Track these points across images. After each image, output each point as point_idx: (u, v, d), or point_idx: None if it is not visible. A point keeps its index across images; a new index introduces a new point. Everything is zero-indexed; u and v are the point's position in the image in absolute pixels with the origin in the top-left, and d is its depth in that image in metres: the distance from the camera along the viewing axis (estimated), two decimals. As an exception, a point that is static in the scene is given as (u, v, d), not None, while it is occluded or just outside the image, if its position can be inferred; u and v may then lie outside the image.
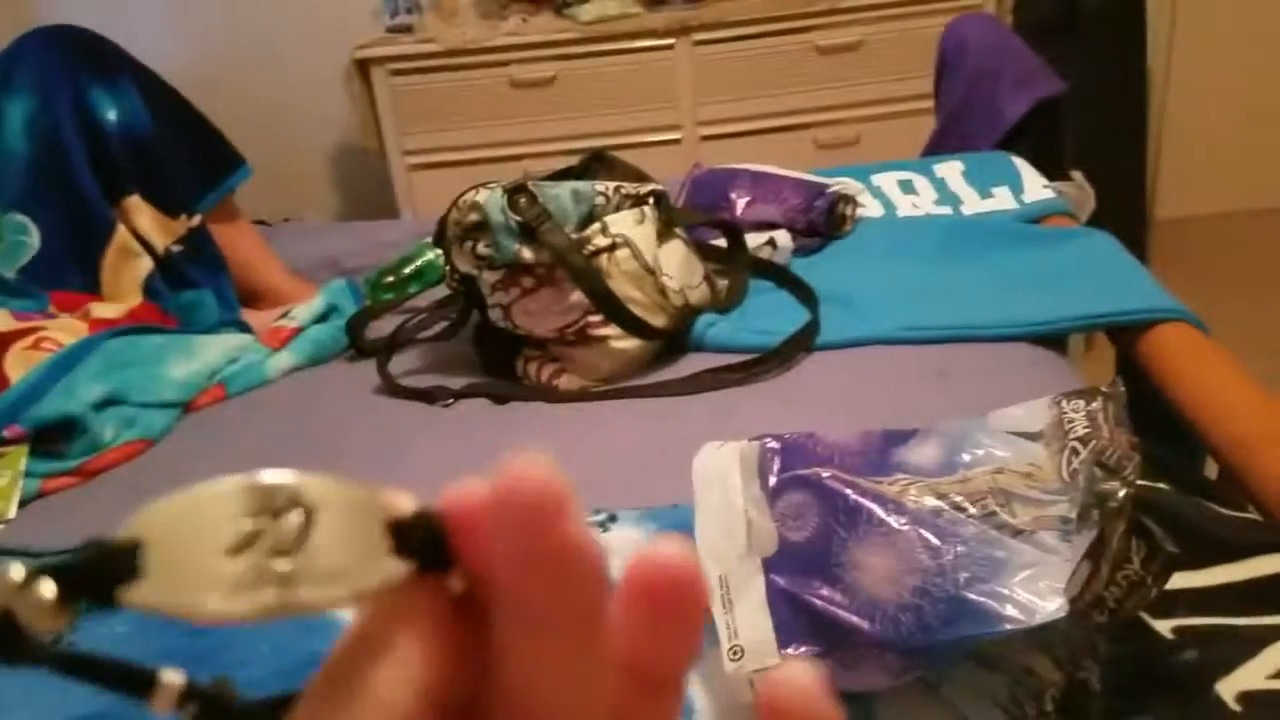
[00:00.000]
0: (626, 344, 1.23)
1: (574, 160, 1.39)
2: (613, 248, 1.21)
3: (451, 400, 1.24)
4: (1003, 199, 1.51)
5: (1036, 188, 1.53)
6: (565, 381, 1.24)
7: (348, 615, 0.24)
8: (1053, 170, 1.65)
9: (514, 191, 1.18)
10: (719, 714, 0.74)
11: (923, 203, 1.54)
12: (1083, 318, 1.20)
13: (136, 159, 1.33)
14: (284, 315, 1.39)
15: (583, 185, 1.23)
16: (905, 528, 0.70)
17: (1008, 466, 0.75)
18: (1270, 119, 2.98)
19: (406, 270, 1.53)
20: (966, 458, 0.77)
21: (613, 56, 2.53)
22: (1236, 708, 0.68)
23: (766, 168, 1.53)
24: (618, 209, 1.24)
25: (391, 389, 1.26)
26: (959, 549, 0.69)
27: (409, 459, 1.14)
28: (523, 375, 1.27)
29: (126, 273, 1.33)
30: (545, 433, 1.17)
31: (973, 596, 0.67)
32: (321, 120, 2.98)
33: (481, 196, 1.19)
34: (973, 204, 1.52)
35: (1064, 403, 0.78)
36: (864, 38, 2.52)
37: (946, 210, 1.51)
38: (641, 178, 1.34)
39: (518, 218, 1.17)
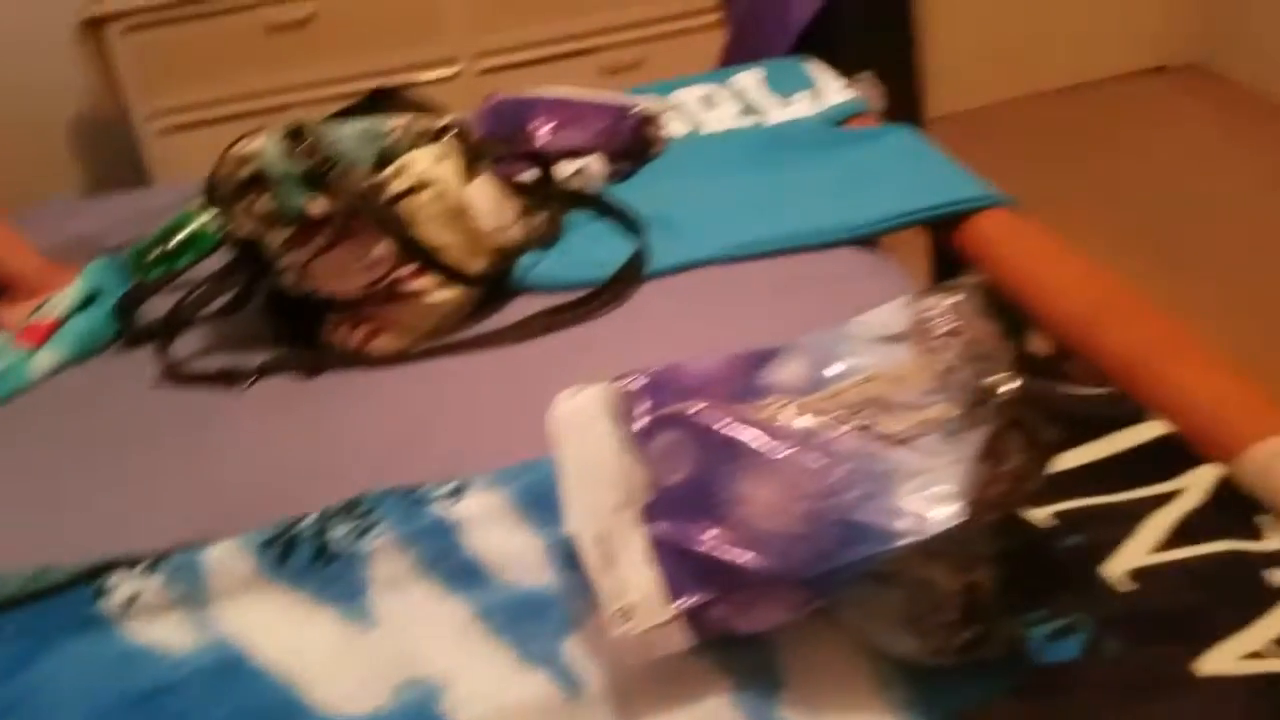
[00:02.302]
0: (445, 294, 1.13)
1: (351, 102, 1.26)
2: (415, 190, 1.10)
3: (253, 379, 1.11)
4: (804, 104, 1.49)
5: (835, 90, 1.52)
6: (381, 343, 1.13)
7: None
8: (838, 72, 1.64)
9: (292, 136, 1.05)
10: (612, 685, 0.68)
11: (727, 116, 1.50)
12: (904, 214, 1.19)
13: None
14: (39, 307, 1.20)
15: (372, 123, 1.11)
16: (787, 453, 0.66)
17: (879, 374, 0.71)
18: (1017, 8, 3.12)
19: (175, 241, 1.35)
20: (834, 370, 0.73)
21: (370, -10, 2.36)
22: (1129, 586, 0.68)
23: (565, 91, 1.44)
24: (414, 147, 1.13)
25: (178, 375, 1.11)
26: (844, 467, 0.65)
27: (212, 453, 1.01)
28: (331, 342, 1.15)
29: None
30: (365, 403, 1.06)
31: (864, 516, 0.63)
32: (53, 90, 2.65)
33: (255, 145, 1.05)
34: (776, 112, 1.48)
35: (923, 300, 0.75)
36: (636, -48, 2.44)
37: (751, 121, 1.47)
38: (436, 111, 1.22)
39: (301, 165, 1.04)
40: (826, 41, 1.86)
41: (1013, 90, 3.21)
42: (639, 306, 1.14)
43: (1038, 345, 1.04)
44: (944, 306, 0.73)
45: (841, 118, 1.46)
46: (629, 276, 1.14)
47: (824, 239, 1.16)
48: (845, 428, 0.67)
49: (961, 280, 0.75)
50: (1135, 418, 0.82)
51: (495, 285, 1.18)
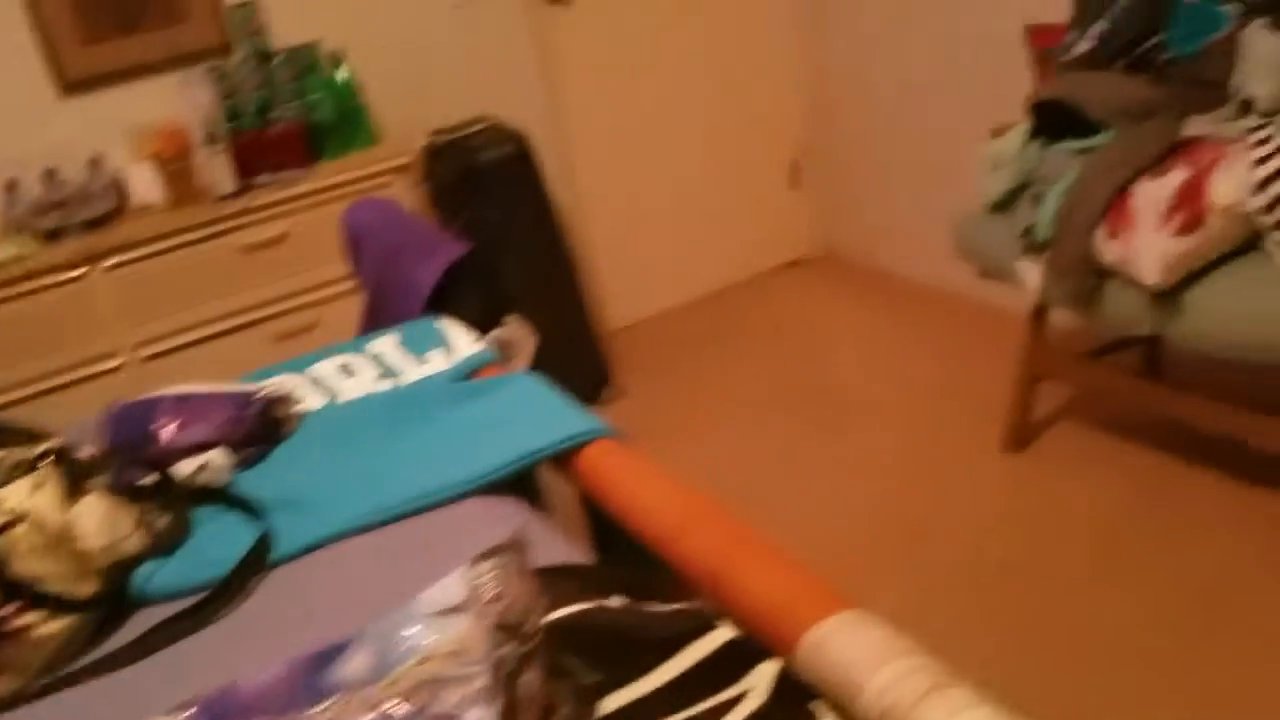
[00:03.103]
0: (54, 626, 1.08)
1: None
2: (8, 526, 1.06)
3: None
4: (437, 361, 1.57)
5: (465, 344, 1.61)
6: (-10, 690, 1.06)
7: None
8: (496, 319, 1.74)
9: None
10: None
11: (364, 382, 1.55)
12: (520, 458, 1.27)
13: None
14: None
15: (-50, 468, 1.07)
16: (339, 756, 0.67)
17: (436, 651, 0.75)
18: (668, 228, 3.45)
19: None
20: (397, 654, 0.76)
21: (21, 300, 2.30)
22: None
23: (189, 387, 1.45)
24: (8, 481, 1.10)
25: None
26: (396, 757, 0.67)
27: None
28: (-68, 702, 1.06)
29: None
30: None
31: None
32: None
33: None
34: (411, 372, 1.55)
35: (477, 567, 0.80)
36: (286, 230, 2.52)
37: (389, 383, 1.53)
38: (35, 437, 1.20)
39: None
40: (487, 285, 1.98)
41: (676, 298, 3.51)
42: (265, 599, 1.13)
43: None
44: (493, 571, 0.79)
45: (472, 369, 1.55)
46: (249, 570, 1.14)
47: (447, 495, 1.22)
48: (401, 715, 0.70)
49: (505, 543, 0.81)
50: (710, 625, 0.90)
51: (115, 603, 1.14)
